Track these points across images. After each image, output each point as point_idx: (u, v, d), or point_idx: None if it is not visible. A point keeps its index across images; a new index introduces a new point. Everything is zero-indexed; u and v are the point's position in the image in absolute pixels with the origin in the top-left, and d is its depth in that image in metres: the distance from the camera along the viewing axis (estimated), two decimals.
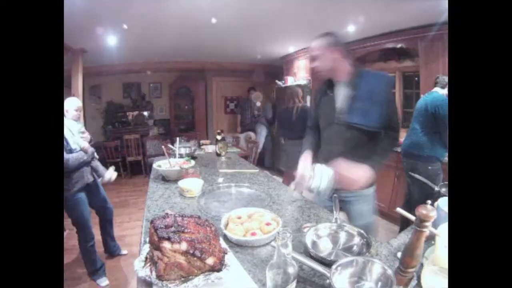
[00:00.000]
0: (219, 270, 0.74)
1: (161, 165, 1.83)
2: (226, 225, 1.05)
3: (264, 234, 0.98)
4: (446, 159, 2.43)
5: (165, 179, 1.73)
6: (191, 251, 0.72)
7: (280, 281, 0.66)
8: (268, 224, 1.03)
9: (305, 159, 1.36)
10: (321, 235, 0.99)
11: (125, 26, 2.90)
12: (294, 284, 0.68)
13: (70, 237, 2.76)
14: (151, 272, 0.73)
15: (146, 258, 0.78)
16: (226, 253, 0.80)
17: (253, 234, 0.98)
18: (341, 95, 1.33)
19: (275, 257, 0.66)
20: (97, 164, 2.21)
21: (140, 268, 0.75)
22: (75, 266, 2.32)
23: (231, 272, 0.76)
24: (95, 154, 2.19)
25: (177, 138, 2.48)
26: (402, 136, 3.70)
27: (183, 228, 0.77)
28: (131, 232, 2.96)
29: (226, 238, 1.00)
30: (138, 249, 0.95)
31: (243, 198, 1.44)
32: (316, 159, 1.39)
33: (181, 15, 2.86)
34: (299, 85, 4.52)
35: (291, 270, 0.66)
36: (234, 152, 2.91)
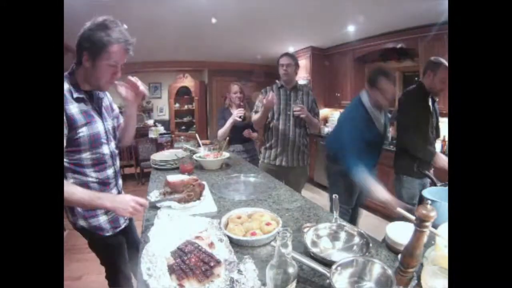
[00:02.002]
0: (198, 199, 1.30)
1: (200, 156, 2.04)
2: (226, 225, 1.05)
3: (264, 234, 0.98)
4: None
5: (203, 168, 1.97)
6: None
7: (280, 281, 0.66)
8: (268, 224, 1.03)
9: None
10: (321, 235, 0.99)
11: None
12: (294, 284, 0.68)
13: (70, 237, 2.76)
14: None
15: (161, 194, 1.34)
16: (204, 190, 1.37)
17: (253, 234, 0.98)
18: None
19: (275, 257, 0.66)
20: None
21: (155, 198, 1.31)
22: (75, 266, 2.32)
23: (205, 200, 1.32)
24: None
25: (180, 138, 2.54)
26: None
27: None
28: None
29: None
30: None
31: (250, 184, 1.65)
32: None
33: (181, 15, 2.86)
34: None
35: (291, 270, 0.66)
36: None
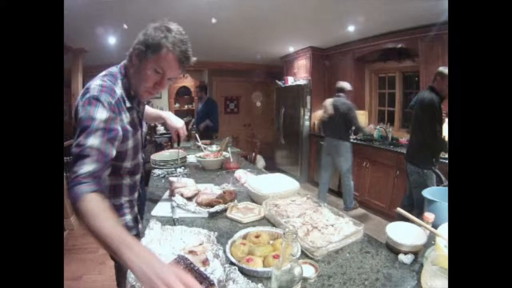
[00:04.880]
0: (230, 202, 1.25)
1: (200, 155, 2.06)
2: (233, 242, 0.91)
3: (261, 266, 0.80)
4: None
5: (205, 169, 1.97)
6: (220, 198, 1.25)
7: (285, 283, 0.65)
8: (275, 257, 0.81)
9: None
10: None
11: (125, 26, 2.90)
12: (299, 285, 0.67)
13: (70, 237, 2.77)
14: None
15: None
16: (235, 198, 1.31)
17: (248, 260, 0.81)
18: None
19: (281, 258, 0.65)
20: None
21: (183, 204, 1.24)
22: (75, 266, 2.32)
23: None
24: None
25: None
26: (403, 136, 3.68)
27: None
28: None
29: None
30: None
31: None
32: None
33: (181, 15, 2.86)
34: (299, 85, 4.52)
35: (297, 271, 0.65)
36: (234, 152, 2.91)
